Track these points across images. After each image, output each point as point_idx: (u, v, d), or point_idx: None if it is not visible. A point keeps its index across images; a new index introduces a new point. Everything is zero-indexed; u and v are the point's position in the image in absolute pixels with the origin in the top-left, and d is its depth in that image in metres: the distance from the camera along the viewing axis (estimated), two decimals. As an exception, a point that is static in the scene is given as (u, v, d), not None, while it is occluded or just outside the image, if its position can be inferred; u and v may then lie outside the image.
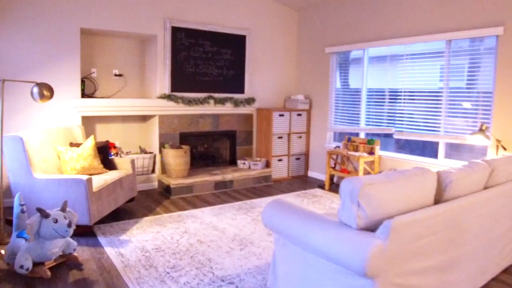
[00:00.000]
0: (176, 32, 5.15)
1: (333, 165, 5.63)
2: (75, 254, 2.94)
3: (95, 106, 4.69)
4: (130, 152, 5.39)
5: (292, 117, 6.01)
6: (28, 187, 3.43)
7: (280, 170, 5.99)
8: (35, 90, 3.43)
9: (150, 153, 5.33)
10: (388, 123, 5.05)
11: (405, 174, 2.14)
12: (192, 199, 4.78)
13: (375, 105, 5.21)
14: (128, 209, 4.32)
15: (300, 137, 6.16)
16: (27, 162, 3.41)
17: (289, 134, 6.02)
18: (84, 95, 4.94)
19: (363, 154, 4.98)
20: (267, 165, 5.89)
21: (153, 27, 5.03)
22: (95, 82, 5.14)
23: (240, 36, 5.72)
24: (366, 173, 5.12)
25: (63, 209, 2.81)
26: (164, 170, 5.22)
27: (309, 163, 6.30)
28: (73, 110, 4.60)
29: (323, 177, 5.96)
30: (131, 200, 4.33)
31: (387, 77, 5.03)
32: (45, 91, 3.45)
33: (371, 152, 5.07)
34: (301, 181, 5.92)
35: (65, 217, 2.77)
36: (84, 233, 3.55)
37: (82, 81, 4.93)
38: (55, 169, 3.78)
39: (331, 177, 5.67)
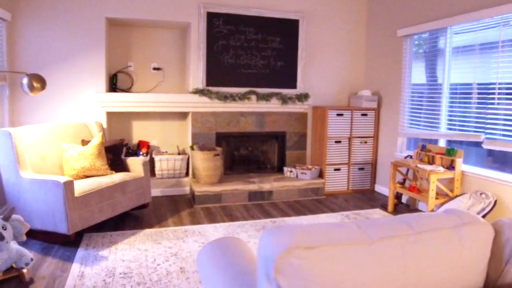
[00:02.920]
0: (213, 18, 4.53)
1: (402, 181, 4.40)
2: (25, 270, 2.50)
3: (121, 102, 4.32)
4: (166, 152, 4.97)
5: (355, 118, 4.91)
6: (16, 186, 3.15)
7: (337, 181, 4.95)
8: (25, 81, 3.13)
9: (184, 154, 4.82)
10: (475, 128, 3.68)
11: (412, 223, 1.13)
12: (216, 211, 4.10)
13: (459, 104, 3.87)
14: (138, 217, 3.84)
15: (365, 142, 5.02)
16: (14, 159, 3.13)
17: (350, 138, 4.94)
18: (116, 89, 4.64)
19: (438, 169, 3.71)
20: (320, 175, 4.91)
21: (186, 14, 4.48)
22: (131, 77, 4.82)
23: (291, 21, 4.85)
24: (443, 194, 3.82)
25: (6, 217, 2.39)
26: (194, 174, 4.65)
27: (377, 175, 5.12)
28: (97, 105, 4.31)
29: (391, 193, 4.74)
30: (143, 206, 3.84)
31: (475, 68, 3.66)
32: (35, 82, 3.14)
33: (451, 166, 3.76)
34: (363, 197, 4.81)
35: (3, 227, 2.34)
36: (67, 242, 3.14)
37: (115, 75, 4.64)
38: (55, 168, 3.47)
39: (398, 195, 4.44)
